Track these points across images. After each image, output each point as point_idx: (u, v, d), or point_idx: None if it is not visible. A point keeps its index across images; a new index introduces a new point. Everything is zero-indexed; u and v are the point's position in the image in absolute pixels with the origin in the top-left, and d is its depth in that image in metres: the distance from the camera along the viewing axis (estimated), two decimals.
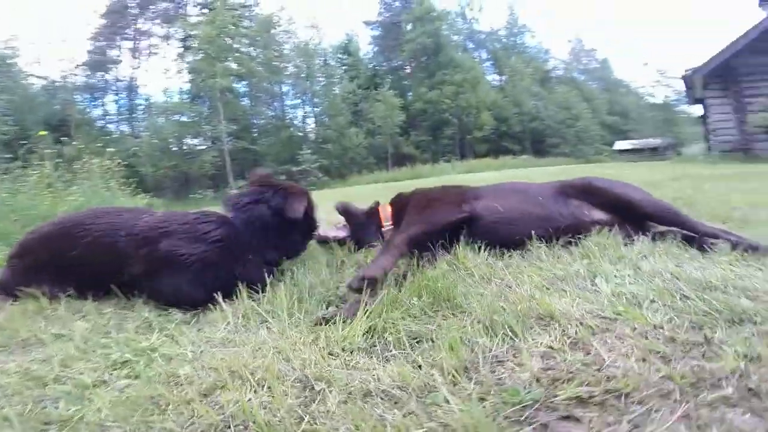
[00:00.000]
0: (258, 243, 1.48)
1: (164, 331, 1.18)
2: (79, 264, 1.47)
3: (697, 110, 17.39)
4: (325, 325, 1.03)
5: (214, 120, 22.06)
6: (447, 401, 0.67)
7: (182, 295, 1.36)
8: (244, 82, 25.32)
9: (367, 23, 32.92)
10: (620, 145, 29.49)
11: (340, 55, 29.33)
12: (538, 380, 0.73)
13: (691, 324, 0.93)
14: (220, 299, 1.30)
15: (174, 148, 22.46)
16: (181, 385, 0.83)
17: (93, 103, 25.83)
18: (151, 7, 26.18)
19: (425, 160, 24.99)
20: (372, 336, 0.96)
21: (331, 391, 0.71)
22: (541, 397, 0.67)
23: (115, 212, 1.59)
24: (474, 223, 1.65)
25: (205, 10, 22.72)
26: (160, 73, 28.32)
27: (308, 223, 1.68)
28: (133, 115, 26.45)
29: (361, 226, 1.90)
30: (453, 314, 1.04)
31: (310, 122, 28.58)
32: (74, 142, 5.41)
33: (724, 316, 0.95)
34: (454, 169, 19.22)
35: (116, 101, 26.56)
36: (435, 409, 0.66)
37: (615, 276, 1.28)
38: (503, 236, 1.63)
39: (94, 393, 0.84)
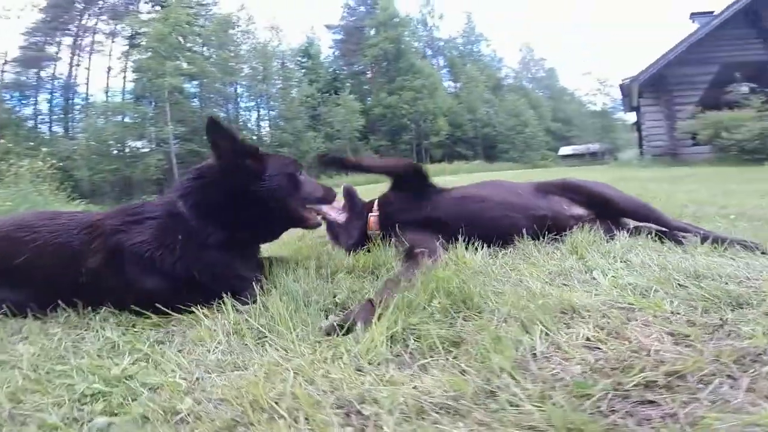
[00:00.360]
0: (215, 225, 1.23)
1: (136, 354, 0.97)
2: (26, 272, 1.22)
3: (632, 117, 19.20)
4: (338, 336, 0.92)
5: (160, 121, 20.66)
6: (514, 405, 0.60)
7: (151, 293, 1.17)
8: (194, 83, 24.00)
9: (329, 27, 32.73)
10: (564, 150, 31.73)
11: (299, 58, 28.83)
12: (594, 371, 0.70)
13: (701, 309, 0.96)
14: (199, 311, 1.14)
15: (114, 151, 20.75)
16: (187, 423, 0.67)
17: (23, 102, 23.14)
18: (98, 2, 23.96)
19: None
20: (395, 345, 0.87)
21: (380, 414, 0.60)
22: (610, 387, 0.64)
23: (63, 213, 1.36)
24: (462, 210, 1.68)
25: (158, 7, 21.29)
26: (102, 71, 25.87)
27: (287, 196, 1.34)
28: (69, 116, 24.04)
29: (352, 222, 1.79)
30: (477, 315, 0.97)
31: (265, 125, 27.76)
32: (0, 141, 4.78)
33: (724, 301, 0.99)
34: None
35: (49, 100, 23.98)
36: (504, 415, 0.58)
37: (609, 269, 1.31)
38: (487, 223, 1.64)
39: None
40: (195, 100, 25.24)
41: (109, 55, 24.45)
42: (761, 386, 0.63)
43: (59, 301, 1.22)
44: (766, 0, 11.16)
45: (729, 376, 0.66)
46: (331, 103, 26.34)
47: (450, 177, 14.45)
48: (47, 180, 4.56)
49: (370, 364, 0.77)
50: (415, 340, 0.86)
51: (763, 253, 1.38)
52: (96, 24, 24.16)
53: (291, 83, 26.68)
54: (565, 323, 0.92)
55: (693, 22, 13.30)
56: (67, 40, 23.81)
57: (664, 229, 1.67)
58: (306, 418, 0.63)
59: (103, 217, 1.25)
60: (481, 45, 36.18)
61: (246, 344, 0.96)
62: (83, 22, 23.88)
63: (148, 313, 1.18)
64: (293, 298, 1.18)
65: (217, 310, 1.19)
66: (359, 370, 0.76)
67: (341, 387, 0.70)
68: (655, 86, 12.21)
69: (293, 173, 1.36)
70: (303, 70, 27.71)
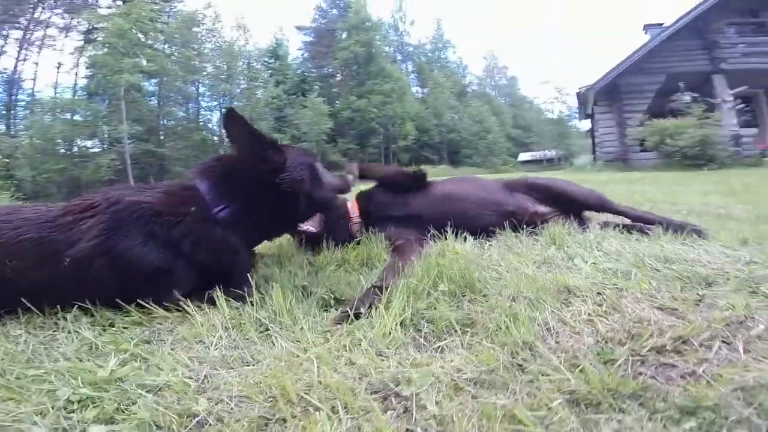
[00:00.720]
0: (228, 205, 1.18)
1: (121, 354, 0.88)
2: None
3: (586, 125, 20.50)
4: (349, 324, 0.90)
5: (114, 120, 19.39)
6: (545, 374, 0.63)
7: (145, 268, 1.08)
8: (153, 81, 22.76)
9: (299, 28, 32.24)
10: (523, 156, 33.25)
11: (267, 59, 28.16)
12: (608, 341, 0.75)
13: (678, 287, 1.05)
14: (189, 305, 1.07)
15: (62, 150, 19.20)
16: (208, 425, 0.62)
17: None
18: None
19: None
20: (407, 329, 0.87)
21: (419, 394, 0.60)
22: (627, 353, 0.69)
23: (22, 207, 1.21)
24: (441, 207, 1.74)
25: (120, 2, 20.03)
26: (51, 67, 23.79)
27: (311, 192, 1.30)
28: (11, 112, 21.95)
29: (337, 218, 1.76)
30: (482, 298, 1.00)
31: None
32: None
33: (695, 281, 1.10)
34: None
35: None
36: (542, 383, 0.61)
37: (588, 257, 1.40)
38: (465, 219, 1.71)
39: None
40: (153, 98, 23.98)
41: (61, 51, 22.72)
42: (754, 347, 0.70)
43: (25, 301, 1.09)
44: (712, 14, 12.29)
45: (724, 341, 0.73)
46: (298, 105, 25.94)
47: None
48: None
49: (388, 348, 0.77)
50: (427, 324, 0.87)
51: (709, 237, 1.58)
52: (50, 18, 22.31)
53: (256, 84, 26.00)
54: (564, 302, 0.97)
55: (646, 33, 14.41)
56: (16, 34, 21.79)
57: (627, 221, 1.83)
58: (345, 407, 0.61)
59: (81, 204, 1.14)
60: (448, 52, 37.25)
61: (249, 338, 0.92)
62: (36, 15, 21.97)
63: (129, 308, 1.09)
64: (291, 290, 1.15)
65: (208, 306, 1.13)
66: (380, 355, 0.75)
67: (369, 372, 0.68)
68: (608, 95, 13.10)
69: (313, 163, 1.33)
70: (270, 71, 27.10)
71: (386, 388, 0.64)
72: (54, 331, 1.05)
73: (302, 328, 0.89)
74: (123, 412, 0.67)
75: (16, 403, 0.71)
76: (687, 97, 11.46)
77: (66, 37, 22.64)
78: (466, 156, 30.95)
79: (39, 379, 0.79)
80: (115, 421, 0.66)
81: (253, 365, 0.79)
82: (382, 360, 0.73)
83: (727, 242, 1.52)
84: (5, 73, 21.88)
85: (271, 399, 0.65)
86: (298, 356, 0.78)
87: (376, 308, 0.95)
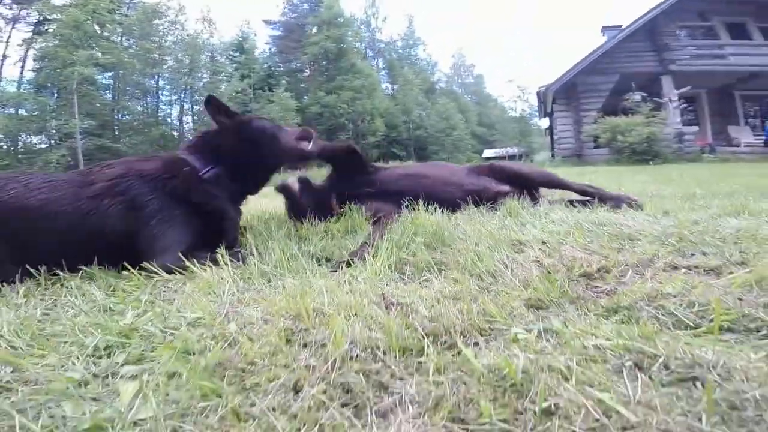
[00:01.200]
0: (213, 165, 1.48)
1: (135, 311, 0.92)
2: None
3: (545, 123, 21.62)
4: (348, 267, 1.07)
5: (64, 114, 18.13)
6: (505, 292, 0.85)
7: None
8: (109, 74, 21.47)
9: (267, 22, 31.34)
10: (487, 153, 34.29)
11: (231, 52, 27.21)
12: (550, 271, 0.99)
13: (606, 240, 1.32)
14: (195, 264, 1.20)
15: (4, 147, 17.75)
16: (242, 344, 0.69)
17: None
18: None
19: (320, 165, 24.70)
20: (394, 272, 1.05)
21: (414, 302, 0.78)
22: (565, 277, 0.94)
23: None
24: (408, 184, 1.97)
25: None
26: None
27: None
28: None
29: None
30: (451, 248, 1.20)
31: (188, 120, 25.83)
32: None
33: (621, 237, 1.37)
34: None
35: None
36: (503, 297, 0.81)
37: (537, 223, 1.65)
38: (431, 195, 1.91)
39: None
40: (108, 92, 22.63)
41: (6, 43, 20.82)
42: (657, 276, 0.94)
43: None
44: (665, 17, 13.31)
45: (635, 272, 0.98)
46: (264, 99, 25.35)
47: None
48: None
49: (381, 282, 0.95)
50: (409, 267, 1.06)
51: (640, 208, 1.91)
52: None
53: (220, 78, 25.15)
54: (516, 251, 1.20)
55: (603, 35, 15.39)
56: None
57: (574, 195, 2.16)
58: (355, 314, 0.76)
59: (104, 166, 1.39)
60: (419, 49, 37.75)
61: (257, 287, 1.05)
62: None
63: (131, 271, 1.19)
64: (285, 251, 1.30)
65: (208, 266, 1.25)
66: (372, 289, 0.92)
67: (368, 294, 0.86)
68: (566, 93, 13.93)
69: (273, 120, 1.73)
70: (235, 65, 26.28)
71: (386, 300, 0.82)
72: (57, 297, 1.10)
73: (306, 270, 1.05)
74: (150, 353, 0.72)
75: (38, 358, 0.74)
76: (638, 97, 12.42)
77: (13, 28, 20.85)
78: (432, 152, 31.50)
79: (61, 334, 0.83)
80: (143, 361, 0.70)
81: (269, 301, 0.90)
82: (378, 288, 0.91)
83: (651, 213, 1.84)
84: None
85: (292, 318, 0.78)
86: (308, 289, 0.93)
87: (365, 259, 1.13)
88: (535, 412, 0.48)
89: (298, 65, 30.46)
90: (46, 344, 0.78)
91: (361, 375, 0.57)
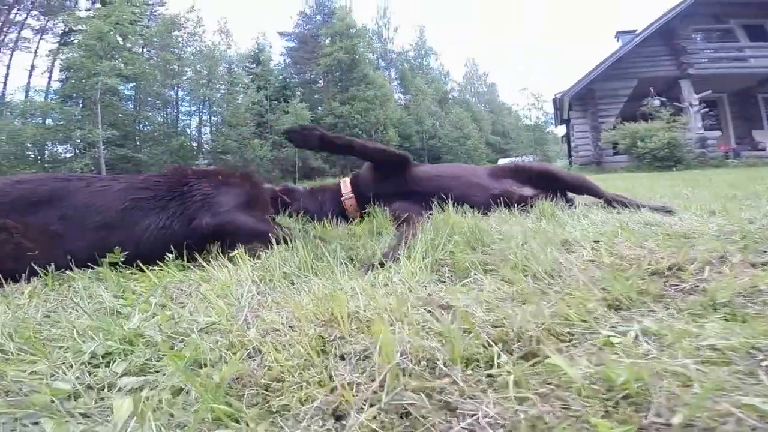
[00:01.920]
0: None
1: (143, 314, 0.83)
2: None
3: (561, 131, 21.24)
4: (381, 267, 0.96)
5: (88, 124, 18.80)
6: (569, 293, 0.70)
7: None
8: (131, 84, 22.22)
9: (282, 34, 32.12)
10: (502, 162, 33.88)
11: (248, 64, 27.89)
12: (615, 269, 0.86)
13: (661, 239, 1.19)
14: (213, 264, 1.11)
15: (32, 156, 18.49)
16: (265, 354, 0.60)
17: None
18: None
19: (334, 174, 25.06)
20: (431, 272, 0.93)
21: (468, 305, 0.66)
22: (635, 274, 0.80)
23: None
24: (437, 185, 1.84)
25: (98, 5, 19.54)
26: (22, 70, 22.99)
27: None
28: None
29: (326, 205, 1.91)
30: (491, 247, 1.08)
31: (207, 131, 26.45)
32: None
33: (673, 236, 1.24)
34: None
35: None
36: (570, 298, 0.68)
37: (578, 224, 1.51)
38: (458, 197, 1.80)
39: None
40: (130, 102, 23.38)
41: (35, 53, 21.82)
42: (737, 272, 0.82)
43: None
44: (680, 21, 13.01)
45: (713, 270, 0.85)
46: (279, 110, 25.78)
47: None
48: None
49: (419, 284, 0.83)
50: (448, 269, 0.94)
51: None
52: (25, 19, 21.45)
53: (237, 89, 25.71)
54: (567, 251, 1.06)
55: (617, 40, 15.11)
56: None
57: (601, 200, 1.99)
58: (400, 319, 0.63)
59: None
60: (431, 59, 37.90)
61: (279, 288, 0.95)
62: (11, 16, 21.11)
63: (144, 269, 1.12)
64: (310, 250, 1.19)
65: (224, 265, 1.16)
66: (412, 291, 0.81)
67: (409, 297, 0.73)
68: (583, 100, 13.64)
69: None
70: (251, 76, 26.84)
71: (432, 304, 0.69)
72: (63, 298, 1.02)
73: (333, 271, 0.94)
74: (156, 363, 0.62)
75: (29, 364, 0.64)
76: (657, 102, 12.09)
77: (41, 39, 21.90)
78: (446, 161, 31.37)
79: (59, 338, 0.74)
80: (146, 372, 0.60)
81: (294, 304, 0.77)
82: (420, 290, 0.79)
83: (698, 212, 1.68)
84: None
85: (324, 324, 0.66)
86: (338, 292, 0.80)
87: (398, 260, 1.01)
88: (667, 427, 0.36)
89: (312, 76, 30.97)
90: (40, 349, 0.68)
91: (421, 394, 0.44)
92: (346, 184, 1.94)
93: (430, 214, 1.62)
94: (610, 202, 1.95)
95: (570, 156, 15.67)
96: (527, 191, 1.94)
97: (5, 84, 21.44)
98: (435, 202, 1.71)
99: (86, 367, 0.63)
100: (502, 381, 0.46)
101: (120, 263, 1.26)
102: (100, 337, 0.70)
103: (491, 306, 0.67)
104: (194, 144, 25.14)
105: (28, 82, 21.97)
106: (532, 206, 1.83)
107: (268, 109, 26.15)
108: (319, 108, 28.83)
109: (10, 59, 21.25)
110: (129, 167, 21.13)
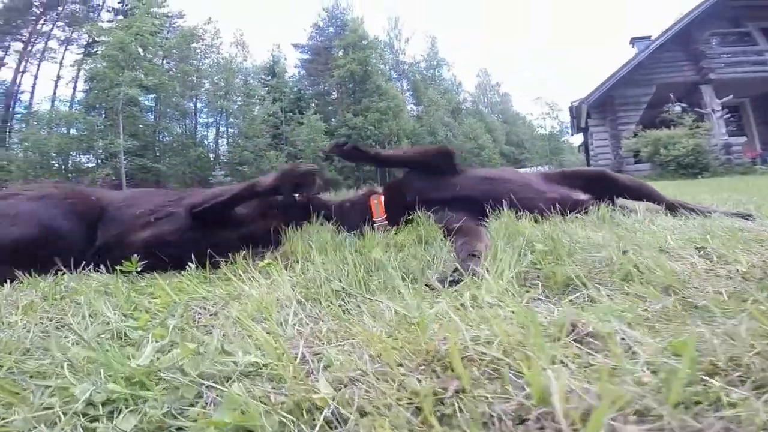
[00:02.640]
0: None
1: (157, 342, 0.65)
2: None
3: (578, 140, 20.86)
4: (453, 287, 0.78)
5: (110, 134, 19.39)
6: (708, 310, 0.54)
7: None
8: (151, 96, 22.88)
9: (296, 46, 32.77)
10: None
11: (263, 76, 28.49)
12: (745, 279, 0.71)
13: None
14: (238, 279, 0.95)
15: (56, 165, 19.02)
16: (351, 421, 0.41)
17: None
18: (57, 8, 22.37)
19: (349, 186, 25.16)
20: (521, 287, 0.75)
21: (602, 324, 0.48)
22: None
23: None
24: (490, 189, 1.68)
25: (120, 17, 20.42)
26: (48, 80, 24.18)
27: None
28: (7, 125, 21.84)
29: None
30: (583, 258, 0.89)
31: (224, 143, 26.96)
32: None
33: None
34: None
35: None
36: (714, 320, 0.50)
37: (648, 231, 1.30)
38: (514, 201, 1.62)
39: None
40: (150, 113, 24.01)
41: (60, 64, 22.78)
42: None
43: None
44: (697, 25, 12.67)
45: None
46: (294, 122, 26.12)
47: None
48: None
49: (519, 302, 0.65)
50: (541, 282, 0.76)
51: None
52: (51, 30, 22.50)
53: (253, 101, 26.21)
54: (672, 259, 0.87)
55: (633, 46, 14.81)
56: (17, 45, 21.89)
57: (661, 206, 1.79)
58: (548, 358, 0.43)
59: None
60: (443, 69, 37.95)
61: (332, 311, 0.76)
62: (38, 27, 22.20)
63: (160, 283, 0.96)
64: (357, 262, 1.01)
65: (254, 277, 1.00)
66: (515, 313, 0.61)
67: (526, 324, 0.51)
68: (602, 107, 13.32)
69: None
70: (267, 88, 27.33)
71: (567, 330, 0.50)
72: (62, 316, 0.86)
73: (397, 289, 0.76)
74: (177, 418, 0.45)
75: (4, 407, 0.49)
76: (678, 108, 11.72)
77: (66, 50, 22.87)
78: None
79: (44, 373, 0.58)
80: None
81: (363, 333, 0.60)
82: (521, 312, 0.60)
83: None
84: (4, 85, 21.94)
85: (423, 366, 0.46)
86: (418, 319, 0.58)
87: (477, 275, 0.83)
88: None
89: (326, 87, 31.40)
90: (17, 389, 0.52)
91: None
92: (375, 194, 1.79)
93: (484, 221, 1.44)
94: (675, 208, 1.75)
95: (588, 165, 15.29)
96: (582, 195, 1.75)
97: (32, 94, 22.46)
98: (488, 208, 1.53)
99: (79, 419, 0.45)
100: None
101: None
102: (101, 375, 0.53)
103: (654, 329, 0.49)
104: (211, 155, 25.62)
105: (54, 92, 22.96)
106: (586, 212, 1.63)
107: (284, 121, 26.58)
108: (333, 119, 29.13)
109: (38, 69, 22.32)
110: (149, 177, 21.64)
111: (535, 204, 1.64)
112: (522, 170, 2.20)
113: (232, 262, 1.26)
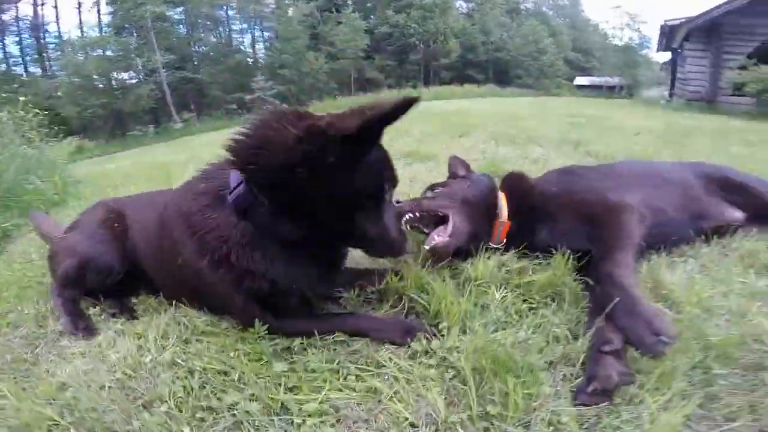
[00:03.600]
0: None
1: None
2: None
3: (662, 57, 17.64)
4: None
5: (146, 52, 19.08)
6: None
7: None
8: (179, 9, 21.65)
9: None
10: (580, 80, 29.86)
11: None
12: None
13: None
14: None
15: (100, 85, 19.42)
16: None
17: None
18: None
19: (390, 85, 23.92)
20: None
21: None
22: None
23: None
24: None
25: None
26: (71, 9, 23.68)
27: None
28: (44, 55, 22.61)
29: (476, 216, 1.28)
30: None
31: (260, 48, 25.78)
32: None
33: None
34: (420, 95, 19.12)
35: (18, 42, 22.51)
36: None
37: None
38: (660, 235, 1.26)
39: None
40: (181, 26, 23.22)
41: None
42: None
43: None
44: None
45: None
46: (332, 21, 24.05)
47: (460, 100, 13.20)
48: (34, 126, 4.26)
49: None
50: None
51: None
52: None
53: (287, 2, 24.02)
54: None
55: None
56: None
57: None
58: None
59: None
60: None
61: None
62: None
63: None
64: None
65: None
66: None
67: None
68: (707, 32, 10.89)
69: None
70: None
71: None
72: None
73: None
74: None
75: None
76: None
77: None
78: (515, 76, 28.09)
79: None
80: None
81: None
82: None
83: None
84: (27, 18, 21.71)
85: None
86: None
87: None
88: None
89: None
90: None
91: None
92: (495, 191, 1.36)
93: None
94: None
95: (672, 87, 13.17)
96: (735, 214, 1.38)
97: (57, 23, 22.17)
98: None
99: None
100: None
101: None
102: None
103: None
104: (250, 60, 24.75)
105: (80, 20, 22.69)
106: (731, 235, 1.33)
107: (321, 21, 24.56)
108: (372, 17, 26.43)
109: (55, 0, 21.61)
110: (191, 88, 21.62)
111: (681, 233, 1.29)
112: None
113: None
